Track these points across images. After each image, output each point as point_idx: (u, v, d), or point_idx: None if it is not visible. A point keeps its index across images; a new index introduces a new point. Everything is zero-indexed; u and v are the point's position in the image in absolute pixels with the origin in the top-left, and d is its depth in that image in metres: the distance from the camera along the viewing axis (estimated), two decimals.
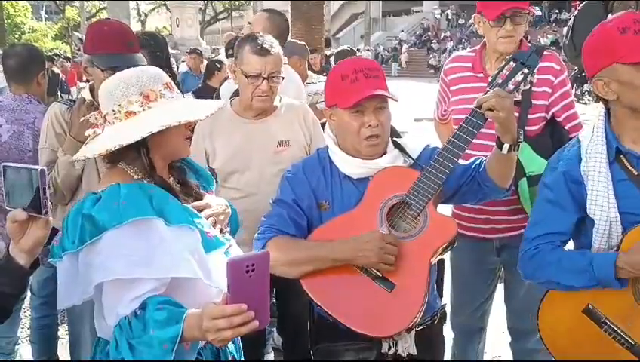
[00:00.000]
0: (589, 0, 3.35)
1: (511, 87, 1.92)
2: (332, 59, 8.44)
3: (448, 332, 2.72)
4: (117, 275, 1.50)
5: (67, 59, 18.81)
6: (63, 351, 3.36)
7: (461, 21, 38.58)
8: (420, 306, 1.82)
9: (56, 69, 12.30)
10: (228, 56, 4.72)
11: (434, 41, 38.73)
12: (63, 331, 3.59)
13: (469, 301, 2.74)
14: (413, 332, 1.91)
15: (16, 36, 36.36)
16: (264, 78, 2.48)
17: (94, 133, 1.64)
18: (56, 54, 18.78)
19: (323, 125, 2.47)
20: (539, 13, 34.00)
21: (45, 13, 50.41)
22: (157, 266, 1.51)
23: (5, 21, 32.62)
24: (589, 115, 2.07)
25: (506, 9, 2.33)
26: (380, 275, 1.86)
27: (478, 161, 2.06)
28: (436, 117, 2.85)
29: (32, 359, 3.35)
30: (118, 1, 19.26)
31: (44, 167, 1.36)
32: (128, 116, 1.60)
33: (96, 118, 1.65)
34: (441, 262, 2.14)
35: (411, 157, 2.06)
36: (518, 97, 1.97)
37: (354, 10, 44.85)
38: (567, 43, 3.45)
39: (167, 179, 1.74)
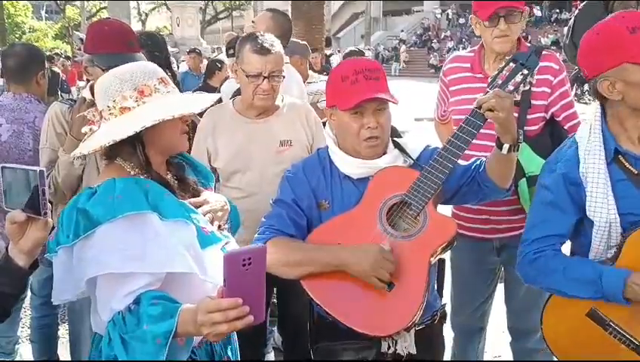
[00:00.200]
0: (590, 0, 3.35)
1: (511, 87, 1.92)
2: (332, 58, 8.44)
3: (448, 332, 2.73)
4: (110, 269, 1.50)
5: (67, 58, 18.83)
6: (64, 350, 3.37)
7: (461, 21, 38.54)
8: (419, 305, 1.82)
9: (56, 69, 12.31)
10: (229, 55, 4.72)
11: (434, 40, 38.73)
12: (63, 330, 3.59)
13: (469, 301, 2.75)
14: (412, 332, 1.91)
15: (17, 36, 36.37)
16: (265, 77, 2.48)
17: (90, 129, 1.64)
18: (56, 54, 18.80)
19: (324, 124, 2.47)
20: (539, 13, 34.02)
21: (46, 12, 50.44)
22: (151, 261, 1.51)
23: (6, 20, 32.63)
24: (590, 115, 2.05)
25: (497, 8, 2.33)
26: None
27: (478, 162, 2.06)
28: (436, 117, 2.85)
29: (32, 358, 3.35)
30: (118, 0, 19.26)
31: (43, 169, 1.36)
32: (123, 112, 1.60)
33: (93, 115, 1.65)
34: (442, 262, 2.14)
35: (411, 158, 2.06)
36: (518, 98, 1.97)
37: (354, 9, 44.84)
38: (567, 43, 3.45)
39: (165, 174, 1.74)
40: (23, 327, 3.74)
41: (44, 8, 50.14)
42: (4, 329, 3.31)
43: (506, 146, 1.89)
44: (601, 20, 1.82)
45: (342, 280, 1.87)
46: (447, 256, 2.19)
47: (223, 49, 8.27)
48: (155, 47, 3.11)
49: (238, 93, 3.15)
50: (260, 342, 2.96)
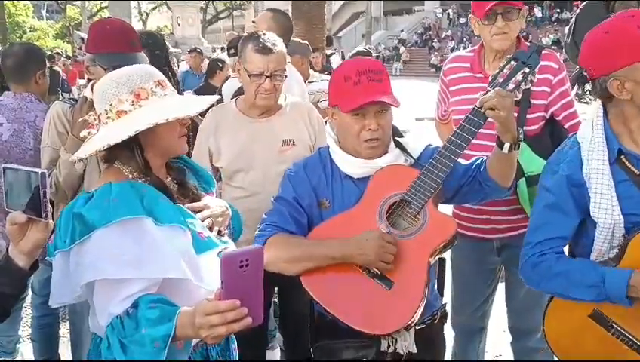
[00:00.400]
0: (591, 0, 3.35)
1: (511, 86, 1.92)
2: (332, 58, 8.43)
3: (449, 332, 2.73)
4: (105, 275, 1.49)
5: (68, 58, 18.84)
6: (65, 349, 3.37)
7: (462, 20, 38.53)
8: (418, 304, 1.82)
9: (57, 68, 12.31)
10: (230, 55, 4.72)
11: (435, 40, 38.71)
12: (64, 330, 3.59)
13: (469, 301, 2.75)
14: (412, 331, 1.91)
15: (18, 35, 36.38)
16: (267, 77, 2.48)
17: (89, 133, 1.64)
18: (57, 53, 18.81)
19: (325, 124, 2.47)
20: (539, 14, 33.98)
21: (46, 12, 50.45)
22: (146, 266, 1.50)
23: (6, 20, 32.62)
24: (592, 114, 2.05)
25: (494, 5, 2.33)
26: (379, 273, 1.87)
27: (479, 161, 2.06)
28: (437, 117, 2.85)
29: (33, 357, 3.35)
30: (119, 0, 19.26)
31: (45, 171, 1.35)
32: (119, 115, 1.59)
33: (94, 119, 1.65)
34: (443, 261, 2.14)
35: (412, 157, 2.06)
36: (519, 96, 1.97)
37: (355, 9, 44.78)
38: (568, 42, 3.45)
39: (165, 178, 1.73)
40: (24, 326, 3.74)
41: (45, 8, 50.15)
42: (5, 328, 3.32)
43: (506, 145, 1.90)
44: (602, 20, 1.81)
45: (342, 278, 1.88)
46: (447, 255, 2.19)
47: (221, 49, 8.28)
48: (156, 46, 3.11)
49: (239, 92, 3.15)
50: (260, 342, 2.96)
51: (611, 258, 1.81)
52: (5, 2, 32.66)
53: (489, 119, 1.90)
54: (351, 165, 2.01)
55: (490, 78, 1.99)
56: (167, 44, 3.46)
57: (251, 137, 2.58)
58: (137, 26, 35.65)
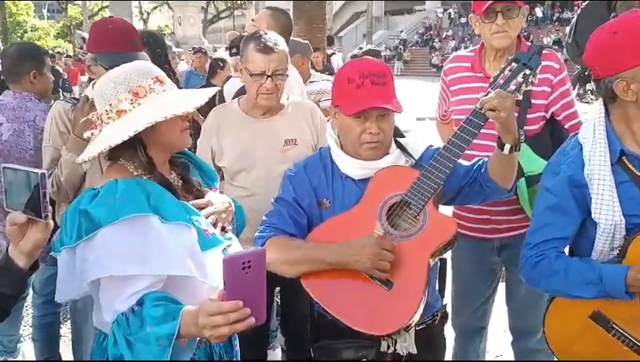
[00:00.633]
0: (592, 0, 3.34)
1: (512, 87, 1.91)
2: (333, 58, 8.43)
3: (450, 332, 2.72)
4: (111, 272, 1.50)
5: (69, 57, 18.84)
6: (66, 349, 3.37)
7: (463, 20, 38.50)
8: (418, 305, 1.82)
9: (57, 67, 12.30)
10: (232, 54, 4.72)
11: (436, 39, 38.69)
12: (65, 329, 3.60)
13: (469, 301, 2.75)
14: (412, 331, 1.91)
15: (19, 34, 36.39)
16: (268, 76, 2.48)
17: (92, 134, 1.64)
18: (58, 52, 18.81)
19: None
20: (540, 14, 33.94)
21: (47, 11, 50.49)
22: (152, 264, 1.51)
23: (7, 19, 32.63)
24: (593, 114, 2.04)
25: (493, 3, 2.33)
26: None
27: (480, 162, 2.06)
28: (437, 117, 2.85)
29: (34, 357, 3.35)
30: (120, 0, 19.25)
31: (45, 171, 1.35)
32: (120, 115, 1.60)
33: (96, 119, 1.65)
34: (444, 262, 2.14)
35: (413, 158, 2.06)
36: (520, 98, 1.96)
37: (356, 8, 44.76)
38: (569, 42, 3.45)
39: (169, 174, 1.74)
40: (25, 326, 3.75)
41: (46, 7, 50.18)
42: (6, 327, 3.33)
43: (507, 146, 1.89)
44: (604, 19, 1.81)
45: (341, 279, 1.88)
46: (448, 256, 2.19)
47: (220, 49, 8.25)
48: (157, 45, 3.12)
49: (239, 92, 3.15)
50: (262, 342, 2.97)
51: (611, 259, 1.81)
52: (6, 2, 32.67)
53: (490, 120, 1.89)
54: (351, 166, 2.01)
55: (491, 79, 1.98)
56: (167, 42, 3.47)
57: (253, 137, 2.58)
58: (138, 25, 35.63)
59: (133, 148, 1.62)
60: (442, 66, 2.85)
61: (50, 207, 1.36)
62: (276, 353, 3.50)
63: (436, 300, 2.08)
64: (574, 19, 3.39)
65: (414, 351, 1.91)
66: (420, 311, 1.83)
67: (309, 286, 1.91)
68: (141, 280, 1.51)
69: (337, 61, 9.00)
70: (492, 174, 1.98)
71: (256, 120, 2.62)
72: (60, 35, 40.53)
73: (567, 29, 3.56)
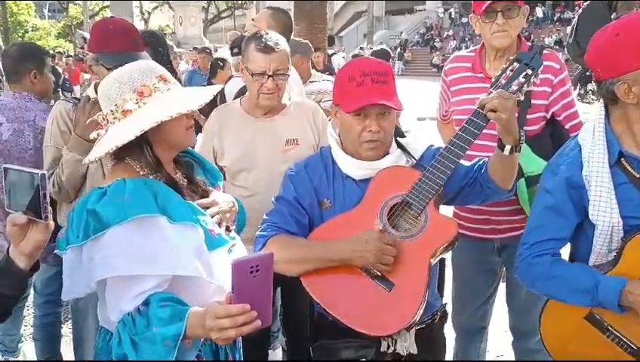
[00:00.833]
0: (593, 0, 3.34)
1: (514, 88, 1.90)
2: (334, 58, 8.43)
3: (450, 332, 2.72)
4: (119, 272, 1.51)
5: (70, 57, 18.84)
6: (67, 348, 3.37)
7: (464, 20, 38.46)
8: (418, 306, 1.82)
9: (58, 67, 12.30)
10: (233, 54, 4.72)
11: (437, 39, 38.66)
12: (66, 329, 3.60)
13: (470, 301, 2.75)
14: (413, 331, 1.91)
15: (20, 34, 36.38)
16: (269, 76, 2.48)
17: (98, 135, 1.65)
18: (59, 52, 18.81)
19: None
20: (541, 14, 33.91)
21: (49, 11, 50.51)
22: (159, 264, 1.52)
23: (9, 19, 32.65)
24: (594, 115, 2.04)
25: (492, 3, 2.33)
26: (380, 275, 1.86)
27: (480, 163, 2.06)
28: (438, 117, 2.85)
29: (35, 357, 3.35)
30: (121, 0, 19.25)
31: (45, 172, 1.35)
32: (125, 115, 1.61)
33: (102, 119, 1.66)
34: (442, 262, 2.14)
35: (414, 158, 2.06)
36: (521, 98, 1.96)
37: (357, 8, 44.76)
38: (570, 42, 3.45)
39: (174, 173, 1.74)
40: (26, 325, 3.75)
41: (47, 7, 50.20)
42: (8, 327, 3.33)
43: (507, 147, 1.89)
44: (605, 19, 1.80)
45: (342, 279, 1.88)
46: (447, 256, 2.19)
47: (220, 48, 8.24)
48: (159, 44, 3.12)
49: (240, 92, 3.15)
50: (264, 341, 2.97)
51: (610, 261, 1.81)
52: (7, 1, 32.69)
53: (491, 120, 1.89)
54: (352, 166, 2.01)
55: (492, 80, 1.98)
56: (167, 42, 3.48)
57: (255, 137, 2.59)
58: (139, 25, 35.64)
59: (140, 147, 1.62)
60: (443, 66, 2.85)
61: (50, 208, 1.36)
62: (277, 353, 3.50)
63: (436, 299, 2.08)
64: (575, 20, 3.39)
65: (415, 350, 1.91)
66: (421, 311, 1.83)
67: (309, 286, 1.91)
68: (148, 280, 1.51)
69: (338, 61, 9.01)
70: (492, 175, 1.98)
71: (257, 120, 2.62)
72: (61, 34, 40.53)
73: (568, 28, 3.56)
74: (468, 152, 1.95)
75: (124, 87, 1.61)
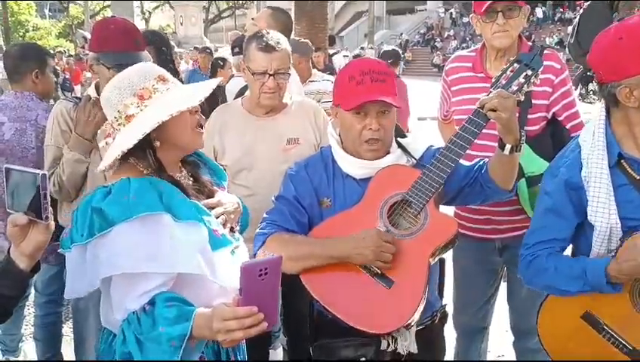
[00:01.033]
0: (594, 0, 3.34)
1: (514, 88, 1.91)
2: (335, 58, 8.43)
3: (451, 332, 2.72)
4: (124, 269, 1.51)
5: (70, 56, 18.85)
6: (68, 348, 3.37)
7: (465, 20, 38.47)
8: (418, 304, 1.82)
9: (57, 67, 12.31)
10: (234, 54, 4.73)
11: (438, 39, 38.67)
12: (67, 328, 3.60)
13: (471, 301, 2.75)
14: (413, 330, 1.91)
15: (20, 34, 36.44)
16: (270, 75, 2.48)
17: (106, 143, 1.65)
18: (59, 52, 18.83)
19: None
20: (541, 15, 33.90)
21: (49, 11, 50.55)
22: (164, 261, 1.52)
23: (9, 19, 32.66)
24: (595, 115, 2.04)
25: (493, 3, 2.33)
26: (379, 272, 1.86)
27: (480, 163, 2.06)
28: (439, 117, 2.85)
29: (36, 356, 3.36)
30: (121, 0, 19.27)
31: (46, 172, 1.35)
32: (129, 120, 1.61)
33: (110, 127, 1.67)
34: (442, 263, 2.14)
35: (414, 158, 2.06)
36: (522, 98, 1.96)
37: (357, 8, 44.75)
38: (572, 42, 3.45)
39: (180, 172, 1.74)
40: (26, 325, 3.75)
41: (48, 7, 50.24)
42: (8, 326, 3.33)
43: (508, 147, 1.89)
44: (606, 19, 1.80)
45: (342, 277, 1.88)
46: (448, 256, 2.19)
47: (221, 48, 8.25)
48: (162, 43, 3.12)
49: (241, 92, 3.15)
50: (265, 342, 2.97)
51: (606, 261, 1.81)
52: (8, 1, 32.71)
53: (491, 120, 1.89)
54: (353, 165, 2.01)
55: (493, 80, 1.98)
56: (171, 42, 3.48)
57: (256, 136, 2.59)
58: (140, 25, 35.70)
59: (143, 150, 1.62)
60: (444, 66, 2.85)
61: (50, 208, 1.36)
62: (278, 352, 3.50)
63: (436, 300, 2.08)
64: (576, 20, 3.39)
65: (415, 350, 1.90)
66: (420, 309, 1.83)
67: (309, 284, 1.91)
68: (153, 278, 1.51)
69: (339, 61, 9.01)
70: (493, 175, 1.98)
71: (258, 119, 2.62)
72: (62, 34, 40.59)
73: (569, 28, 3.56)
74: (468, 152, 1.96)
75: (125, 93, 1.62)
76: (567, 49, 3.74)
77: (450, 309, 2.26)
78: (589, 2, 3.42)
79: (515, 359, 2.85)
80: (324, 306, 1.89)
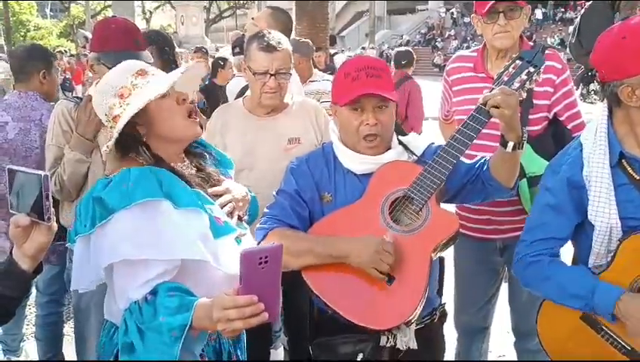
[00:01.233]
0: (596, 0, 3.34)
1: (516, 85, 1.91)
2: (336, 57, 8.42)
3: (452, 332, 2.72)
4: (125, 256, 1.51)
5: (72, 56, 18.86)
6: (69, 347, 3.38)
7: (466, 19, 38.45)
8: (419, 300, 1.81)
9: (58, 67, 12.30)
10: (235, 54, 4.73)
11: (438, 39, 38.66)
12: (68, 328, 3.60)
13: (472, 301, 2.74)
14: (413, 327, 1.90)
15: (22, 34, 36.47)
16: (271, 75, 2.48)
17: (107, 147, 1.65)
18: (60, 52, 18.83)
19: None
20: (540, 16, 33.87)
21: (51, 10, 50.55)
22: (165, 248, 1.52)
23: (11, 19, 32.71)
24: (597, 115, 2.05)
25: (495, 3, 2.33)
26: None
27: (482, 160, 2.05)
28: (440, 117, 2.85)
29: (37, 356, 3.36)
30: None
31: (48, 173, 1.36)
32: (116, 121, 1.62)
33: (108, 132, 1.67)
34: (442, 262, 2.14)
35: (415, 154, 2.06)
36: (524, 96, 1.96)
37: (358, 8, 44.75)
38: (573, 42, 3.44)
39: (182, 162, 1.74)
40: (28, 325, 3.76)
41: (49, 6, 50.25)
42: (10, 326, 3.33)
43: (510, 144, 1.89)
44: (608, 19, 1.80)
45: (342, 272, 1.88)
46: (449, 255, 2.18)
47: (228, 47, 8.23)
48: (165, 44, 3.12)
49: (242, 92, 3.15)
50: (266, 339, 2.97)
51: (607, 262, 1.81)
52: (9, 1, 32.74)
53: (494, 118, 1.89)
54: (354, 161, 2.01)
55: (495, 77, 1.98)
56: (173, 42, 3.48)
57: (257, 135, 2.59)
58: (141, 25, 35.71)
59: (136, 146, 1.63)
60: (445, 66, 2.85)
61: (52, 210, 1.36)
62: (278, 352, 3.50)
63: (435, 296, 2.07)
64: (578, 19, 3.39)
65: (414, 346, 1.89)
66: (421, 306, 1.83)
67: (309, 279, 1.91)
68: (154, 266, 1.51)
69: (341, 60, 8.99)
70: (494, 172, 1.98)
71: (260, 118, 2.62)
72: (63, 34, 40.61)
73: (571, 28, 3.56)
74: (469, 152, 1.95)
75: (107, 95, 1.63)
76: (568, 49, 3.74)
77: (450, 308, 2.26)
78: (590, 2, 3.42)
79: (516, 359, 2.84)
80: (324, 302, 1.88)
